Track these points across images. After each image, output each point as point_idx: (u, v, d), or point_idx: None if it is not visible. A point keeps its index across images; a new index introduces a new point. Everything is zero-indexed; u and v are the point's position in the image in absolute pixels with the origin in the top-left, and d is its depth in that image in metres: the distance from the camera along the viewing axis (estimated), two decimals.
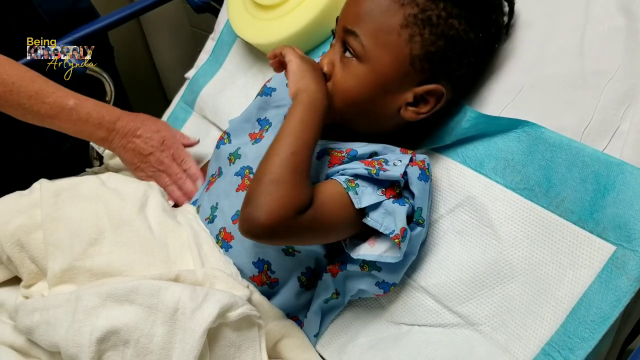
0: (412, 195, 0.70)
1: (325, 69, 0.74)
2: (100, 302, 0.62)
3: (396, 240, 0.66)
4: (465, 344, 0.68)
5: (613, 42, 0.70)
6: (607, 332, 0.60)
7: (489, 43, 0.74)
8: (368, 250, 0.69)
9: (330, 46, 0.76)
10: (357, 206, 0.67)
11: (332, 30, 0.77)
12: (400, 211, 0.68)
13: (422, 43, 0.68)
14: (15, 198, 0.74)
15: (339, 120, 0.77)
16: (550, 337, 0.62)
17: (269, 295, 0.76)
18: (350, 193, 0.67)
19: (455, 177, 0.75)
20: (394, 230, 0.67)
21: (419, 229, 0.70)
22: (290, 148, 0.66)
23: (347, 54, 0.72)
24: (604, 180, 0.63)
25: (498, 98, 0.75)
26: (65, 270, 0.68)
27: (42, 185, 0.74)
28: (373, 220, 0.68)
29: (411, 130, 0.78)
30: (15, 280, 0.74)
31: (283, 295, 0.77)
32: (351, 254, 0.69)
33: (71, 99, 0.86)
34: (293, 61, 0.72)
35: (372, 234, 0.70)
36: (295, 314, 0.78)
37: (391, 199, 0.69)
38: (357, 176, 0.69)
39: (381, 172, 0.68)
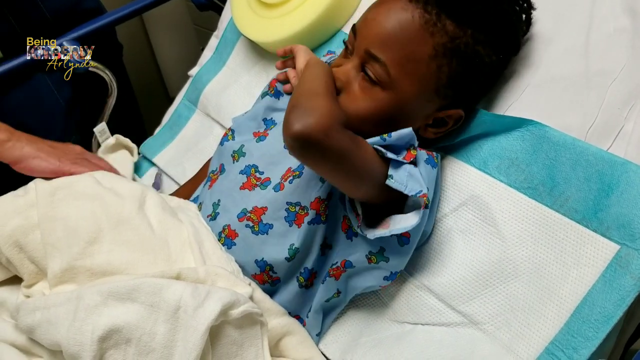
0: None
1: (339, 82, 0.70)
2: (102, 301, 0.62)
3: (424, 199, 0.63)
4: (468, 343, 0.68)
5: (618, 42, 0.70)
6: (611, 331, 0.60)
7: (508, 60, 0.74)
8: (383, 232, 0.66)
9: (344, 55, 0.73)
10: (385, 155, 0.65)
11: (344, 41, 0.74)
12: (421, 171, 0.67)
13: (449, 72, 0.67)
14: (10, 199, 0.73)
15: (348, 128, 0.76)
16: (554, 336, 0.62)
17: (270, 293, 0.76)
18: (376, 146, 0.66)
19: (459, 176, 0.75)
20: (420, 190, 0.64)
21: (422, 211, 0.67)
22: (322, 79, 0.67)
23: (370, 77, 0.68)
24: (608, 179, 0.63)
25: (503, 97, 0.75)
26: (65, 270, 0.68)
27: (37, 185, 0.74)
28: (397, 182, 0.65)
29: (420, 140, 0.78)
30: (15, 280, 0.74)
31: (284, 294, 0.77)
32: (367, 235, 0.67)
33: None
34: (302, 59, 0.73)
35: (385, 216, 0.68)
36: (297, 312, 0.78)
37: (412, 161, 0.67)
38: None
39: (393, 133, 0.66)
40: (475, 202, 0.72)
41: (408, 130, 0.67)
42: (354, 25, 0.72)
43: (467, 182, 0.74)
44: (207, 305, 0.61)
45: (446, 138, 0.76)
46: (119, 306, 0.62)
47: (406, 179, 0.65)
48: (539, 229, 0.66)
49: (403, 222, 0.65)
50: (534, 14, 0.77)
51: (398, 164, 0.66)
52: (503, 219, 0.69)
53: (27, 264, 0.70)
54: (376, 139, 0.67)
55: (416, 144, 0.68)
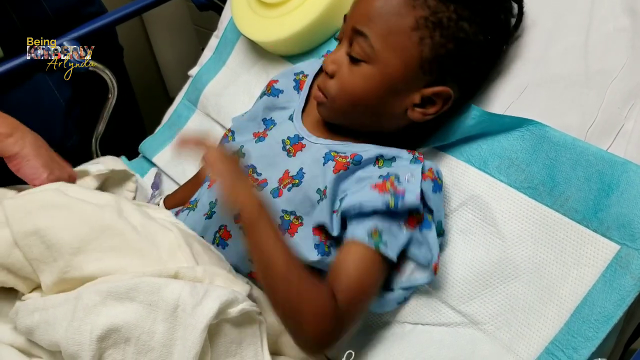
0: (431, 210, 0.70)
1: (330, 68, 0.73)
2: (101, 300, 0.62)
3: (434, 268, 0.68)
4: (468, 343, 0.67)
5: (618, 41, 0.70)
6: (611, 331, 0.60)
7: (498, 44, 0.74)
8: (397, 277, 0.72)
9: (337, 45, 0.75)
10: (393, 259, 0.67)
11: (335, 35, 0.76)
12: (431, 236, 0.69)
13: (432, 46, 0.68)
14: None
15: (342, 121, 0.76)
16: (554, 336, 0.62)
17: None
18: (381, 248, 0.66)
19: (459, 176, 0.75)
20: (432, 259, 0.68)
21: (439, 239, 0.71)
22: (276, 272, 0.63)
23: (355, 54, 0.70)
24: (608, 179, 0.63)
25: (503, 97, 0.75)
26: (56, 282, 0.67)
27: (4, 204, 0.69)
28: (412, 253, 0.70)
29: (415, 130, 0.78)
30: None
31: None
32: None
33: None
34: (217, 165, 0.68)
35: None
36: None
37: (417, 228, 0.70)
38: (376, 212, 0.67)
39: (399, 203, 0.66)
40: (476, 202, 0.72)
41: (416, 202, 0.67)
42: (345, 15, 0.74)
43: (467, 182, 0.74)
44: (205, 304, 0.61)
45: (445, 136, 0.76)
46: (118, 305, 0.62)
47: (417, 249, 0.70)
48: (539, 229, 0.66)
49: (418, 276, 0.71)
50: (534, 14, 0.77)
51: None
52: (503, 219, 0.69)
53: (20, 281, 0.69)
54: (381, 206, 0.67)
55: (421, 209, 0.69)
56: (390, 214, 0.68)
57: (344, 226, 0.70)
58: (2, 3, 1.02)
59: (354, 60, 0.71)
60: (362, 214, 0.68)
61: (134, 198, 1.00)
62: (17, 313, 0.65)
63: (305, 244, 0.73)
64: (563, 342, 0.61)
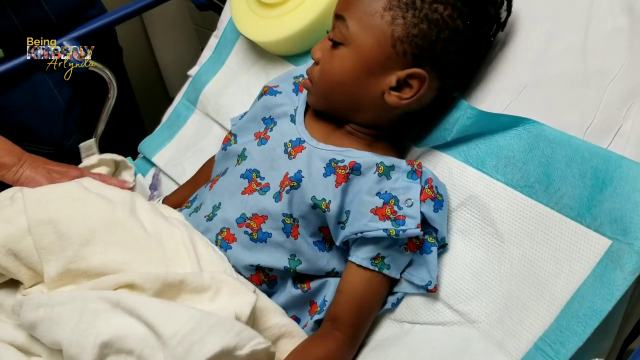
0: (435, 229, 0.72)
1: (316, 55, 0.75)
2: (111, 308, 0.62)
3: (433, 291, 0.71)
4: (463, 341, 0.67)
5: (616, 41, 0.70)
6: (609, 330, 0.60)
7: (480, 34, 0.73)
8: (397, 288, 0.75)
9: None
10: (397, 277, 0.72)
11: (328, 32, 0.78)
12: (431, 260, 0.71)
13: (404, 25, 0.68)
14: None
15: (326, 105, 0.78)
16: (544, 331, 0.62)
17: (269, 294, 0.76)
18: (385, 271, 0.71)
19: (457, 176, 0.75)
20: (430, 282, 0.71)
21: (440, 250, 0.73)
22: None
23: (335, 38, 0.73)
24: (602, 174, 0.62)
25: (501, 96, 0.75)
26: (61, 273, 0.68)
27: (24, 193, 0.73)
28: (408, 274, 0.72)
29: (412, 123, 0.79)
30: (14, 281, 0.73)
31: (282, 294, 0.77)
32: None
33: None
34: None
35: None
36: (293, 313, 0.78)
37: (417, 252, 0.72)
38: (377, 239, 0.70)
39: (401, 233, 0.68)
40: (474, 202, 0.72)
41: (417, 231, 0.69)
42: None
43: (465, 182, 0.74)
44: (206, 341, 0.58)
45: (442, 136, 0.76)
46: (127, 318, 0.61)
47: (416, 270, 0.72)
48: (535, 226, 0.66)
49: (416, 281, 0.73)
50: (532, 13, 0.77)
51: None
52: (501, 219, 0.69)
53: (24, 270, 0.70)
54: (382, 233, 0.69)
55: (421, 236, 0.71)
56: (392, 240, 0.70)
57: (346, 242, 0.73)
58: (3, 6, 1.02)
59: (334, 45, 0.73)
60: (365, 240, 0.71)
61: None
62: (21, 307, 0.65)
63: (306, 245, 0.74)
64: (551, 337, 0.61)
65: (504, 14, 0.76)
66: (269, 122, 0.84)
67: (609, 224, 0.61)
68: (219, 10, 1.24)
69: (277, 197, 0.75)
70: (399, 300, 0.74)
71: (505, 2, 0.76)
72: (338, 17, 0.73)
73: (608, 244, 0.60)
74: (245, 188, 0.78)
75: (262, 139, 0.82)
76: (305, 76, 0.83)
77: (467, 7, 0.69)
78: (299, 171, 0.74)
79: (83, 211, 0.71)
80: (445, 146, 0.77)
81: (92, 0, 1.19)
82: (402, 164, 0.73)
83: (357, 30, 0.70)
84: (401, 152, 0.82)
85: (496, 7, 0.74)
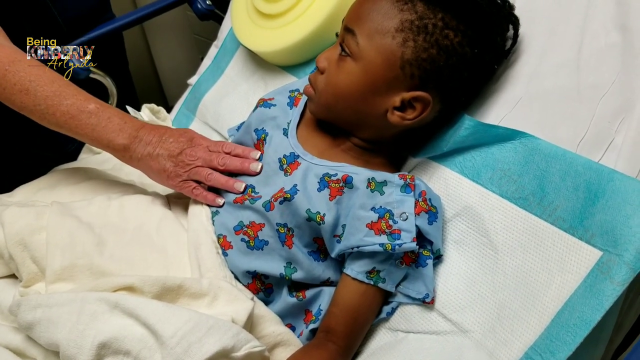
0: (430, 241, 0.72)
1: (321, 64, 0.75)
2: (109, 310, 0.62)
3: (431, 303, 0.71)
4: (455, 350, 0.68)
5: (609, 57, 0.71)
6: (600, 341, 0.60)
7: (486, 62, 0.74)
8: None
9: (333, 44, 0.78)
10: (392, 291, 0.73)
11: (336, 33, 0.79)
12: (427, 273, 0.72)
13: (415, 49, 0.69)
14: (30, 207, 0.75)
15: (328, 115, 0.78)
16: (535, 341, 0.62)
17: (266, 303, 0.76)
18: (380, 285, 0.71)
19: (453, 187, 0.75)
20: (427, 295, 0.72)
21: (435, 261, 0.74)
22: None
23: (344, 52, 0.73)
24: (595, 188, 0.63)
25: (497, 109, 0.76)
26: (66, 267, 0.68)
27: (53, 204, 0.76)
28: (404, 287, 0.73)
29: (410, 139, 0.79)
30: (10, 282, 0.74)
31: (278, 303, 0.77)
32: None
33: (92, 103, 0.80)
34: None
35: None
36: (288, 321, 0.78)
37: (412, 265, 0.72)
38: (373, 253, 0.70)
39: (397, 247, 0.68)
40: (469, 213, 0.73)
41: (412, 245, 0.69)
42: (343, 18, 0.76)
43: (460, 193, 0.75)
44: (205, 342, 0.59)
45: (438, 146, 0.77)
46: (126, 319, 0.62)
47: (411, 284, 0.73)
48: (528, 238, 0.67)
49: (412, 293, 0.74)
50: (527, 29, 0.78)
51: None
52: (495, 230, 0.70)
53: (28, 263, 0.70)
54: (378, 248, 0.69)
55: (417, 250, 0.71)
56: (387, 254, 0.70)
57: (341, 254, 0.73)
58: (14, 14, 1.02)
59: (341, 57, 0.73)
60: (360, 254, 0.71)
61: None
62: (19, 306, 0.65)
63: (301, 254, 0.74)
64: (542, 347, 0.61)
65: (509, 43, 0.78)
66: (260, 132, 0.83)
67: (600, 235, 0.61)
68: (219, 20, 1.25)
69: (268, 206, 0.75)
70: (393, 310, 0.75)
71: (512, 32, 0.77)
72: (347, 29, 0.73)
73: (599, 255, 0.61)
74: (237, 197, 0.79)
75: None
76: (302, 91, 0.84)
77: (477, 35, 0.70)
78: (295, 185, 0.74)
79: (101, 213, 0.75)
80: (441, 157, 0.78)
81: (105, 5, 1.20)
82: (394, 178, 0.73)
83: (366, 47, 0.71)
84: (398, 165, 0.83)
85: (503, 36, 0.76)
